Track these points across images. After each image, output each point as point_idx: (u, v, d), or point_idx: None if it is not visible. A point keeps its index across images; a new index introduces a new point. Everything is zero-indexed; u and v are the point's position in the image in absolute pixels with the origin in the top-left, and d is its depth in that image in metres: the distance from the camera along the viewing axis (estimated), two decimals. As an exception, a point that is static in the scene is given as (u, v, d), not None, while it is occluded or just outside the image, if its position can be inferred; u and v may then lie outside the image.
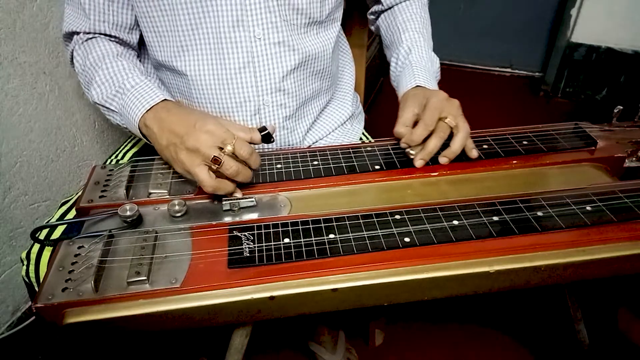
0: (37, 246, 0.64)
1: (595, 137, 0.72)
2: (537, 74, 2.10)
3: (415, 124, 0.67)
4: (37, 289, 0.59)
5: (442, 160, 0.67)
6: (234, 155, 0.59)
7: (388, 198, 0.64)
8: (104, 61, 0.69)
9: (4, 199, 0.95)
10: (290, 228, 0.57)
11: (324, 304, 0.53)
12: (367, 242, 0.54)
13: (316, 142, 0.82)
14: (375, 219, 0.57)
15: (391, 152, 0.71)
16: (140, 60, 0.77)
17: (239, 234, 0.56)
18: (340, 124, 0.85)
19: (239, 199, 0.61)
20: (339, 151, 0.71)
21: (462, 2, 2.05)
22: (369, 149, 0.72)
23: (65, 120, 1.05)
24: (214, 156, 0.57)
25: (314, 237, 0.55)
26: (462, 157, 0.69)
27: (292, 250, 0.54)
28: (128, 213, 0.57)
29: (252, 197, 0.61)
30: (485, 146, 0.71)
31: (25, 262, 0.65)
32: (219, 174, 0.59)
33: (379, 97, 1.90)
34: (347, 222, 0.57)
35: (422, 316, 1.12)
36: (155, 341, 0.84)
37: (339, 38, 0.83)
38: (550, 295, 1.07)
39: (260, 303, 0.51)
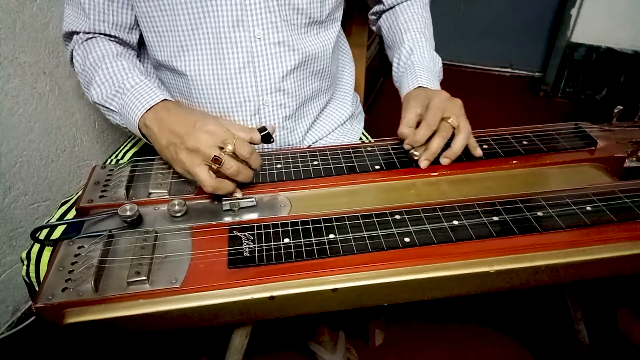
0: (37, 246, 0.64)
1: (595, 137, 0.72)
2: (537, 74, 2.10)
3: (418, 124, 0.67)
4: (37, 288, 0.59)
5: (443, 161, 0.67)
6: (234, 155, 0.59)
7: (388, 198, 0.64)
8: (103, 61, 0.69)
9: (4, 199, 0.95)
10: (290, 228, 0.57)
11: (324, 304, 0.53)
12: (367, 242, 0.54)
13: (316, 142, 0.82)
14: (375, 219, 0.57)
15: (391, 152, 0.71)
16: (140, 60, 0.77)
17: (239, 234, 0.56)
18: (340, 124, 0.85)
19: (239, 199, 0.61)
20: (339, 151, 0.71)
21: (462, 2, 2.05)
22: (369, 149, 0.72)
23: (65, 120, 1.05)
24: (215, 156, 0.57)
25: (314, 237, 0.55)
26: (462, 157, 0.69)
27: (292, 250, 0.54)
28: (128, 213, 0.57)
29: (252, 197, 0.61)
30: (485, 146, 0.71)
31: (25, 262, 0.65)
32: (219, 174, 0.59)
33: (379, 97, 1.90)
34: (347, 222, 0.57)
35: (422, 316, 1.12)
36: (155, 341, 0.84)
37: (338, 38, 0.83)
38: (550, 295, 1.07)
39: (260, 303, 0.51)
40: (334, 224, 0.57)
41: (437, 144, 0.66)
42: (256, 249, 0.54)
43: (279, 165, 0.68)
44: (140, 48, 0.77)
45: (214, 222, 0.59)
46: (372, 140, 0.87)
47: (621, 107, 0.75)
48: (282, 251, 0.54)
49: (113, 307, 0.49)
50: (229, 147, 0.58)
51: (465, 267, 0.52)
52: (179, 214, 0.60)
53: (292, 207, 0.62)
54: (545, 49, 2.02)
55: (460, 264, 0.52)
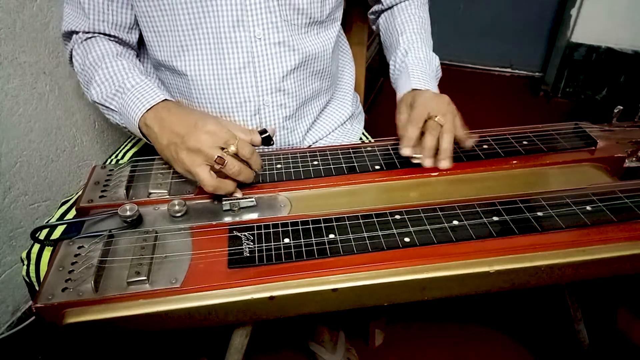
0: (37, 246, 0.64)
1: (595, 137, 0.72)
2: (537, 74, 2.10)
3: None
4: (37, 288, 0.59)
5: (441, 164, 0.66)
6: (235, 156, 0.59)
7: (388, 198, 0.64)
8: (103, 60, 0.69)
9: (4, 199, 0.95)
10: (290, 228, 0.57)
11: (324, 304, 0.53)
12: (367, 242, 0.54)
13: (316, 142, 0.82)
14: (375, 219, 0.57)
15: (391, 152, 0.71)
16: (139, 61, 0.77)
17: (239, 234, 0.56)
18: (340, 124, 0.85)
19: (239, 199, 0.61)
20: (339, 151, 0.71)
21: (462, 2, 2.05)
22: (369, 149, 0.72)
23: (65, 120, 1.05)
24: (218, 156, 0.57)
25: (314, 237, 0.55)
26: (462, 157, 0.69)
27: (292, 250, 0.54)
28: (128, 213, 0.57)
29: (252, 197, 0.61)
30: (485, 146, 0.71)
31: (25, 262, 0.65)
32: (219, 174, 0.59)
33: (379, 97, 1.90)
34: (347, 222, 0.57)
35: (422, 316, 1.12)
36: (155, 341, 0.84)
37: (338, 38, 0.83)
38: (550, 295, 1.07)
39: (260, 303, 0.51)
40: (334, 224, 0.57)
41: (429, 140, 0.65)
42: (256, 249, 0.54)
43: (279, 165, 0.68)
44: (140, 48, 0.77)
45: (214, 222, 0.59)
46: (372, 140, 0.87)
47: (621, 107, 0.75)
48: (282, 251, 0.54)
49: (113, 307, 0.49)
50: (232, 148, 0.59)
51: (465, 267, 0.52)
52: (179, 214, 0.60)
53: (292, 207, 0.62)
54: (545, 49, 2.02)
55: (460, 264, 0.52)
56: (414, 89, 0.72)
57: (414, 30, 0.80)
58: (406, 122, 0.67)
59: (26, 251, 0.65)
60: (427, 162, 0.67)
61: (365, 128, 0.91)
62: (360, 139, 0.88)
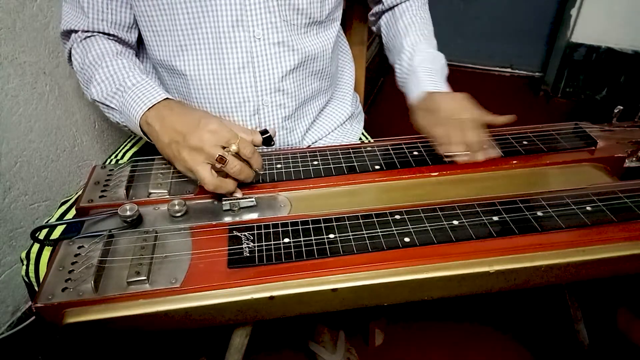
0: (36, 246, 0.64)
1: (595, 137, 0.72)
2: (537, 74, 2.10)
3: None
4: (37, 288, 0.59)
5: (478, 157, 0.68)
6: (237, 155, 0.59)
7: (388, 198, 0.64)
8: (103, 59, 0.69)
9: (4, 199, 0.95)
10: (290, 228, 0.57)
11: (324, 304, 0.53)
12: (367, 242, 0.54)
13: (316, 142, 0.82)
14: (375, 219, 0.57)
15: (391, 152, 0.71)
16: (138, 60, 0.77)
17: (239, 234, 0.56)
18: (340, 124, 0.85)
19: (239, 199, 0.61)
20: (339, 151, 0.71)
21: (462, 2, 2.05)
22: (368, 149, 0.72)
23: (65, 120, 1.05)
24: (220, 155, 0.57)
25: (314, 237, 0.55)
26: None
27: (292, 250, 0.54)
28: (128, 213, 0.57)
29: (252, 197, 0.61)
30: (485, 146, 0.71)
31: (24, 262, 0.65)
32: (220, 173, 0.59)
33: (379, 97, 1.90)
34: (347, 222, 0.57)
35: (422, 316, 1.12)
36: (155, 341, 0.84)
37: (338, 38, 0.83)
38: (550, 295, 1.07)
39: (260, 303, 0.51)
40: (334, 224, 0.57)
41: (458, 137, 0.68)
42: (256, 248, 0.54)
43: (279, 165, 0.68)
44: (139, 48, 0.77)
45: (214, 222, 0.59)
46: (372, 140, 0.87)
47: (621, 107, 0.75)
48: (282, 251, 0.54)
49: (113, 307, 0.49)
50: (233, 147, 0.59)
51: (465, 267, 0.52)
52: (179, 214, 0.60)
53: (292, 207, 0.62)
54: (545, 49, 2.02)
55: (460, 264, 0.52)
56: (427, 92, 0.73)
57: (418, 32, 0.80)
58: (432, 125, 0.69)
59: (25, 251, 0.65)
60: (462, 158, 0.68)
61: (365, 128, 0.91)
62: (360, 139, 0.88)
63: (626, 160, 0.70)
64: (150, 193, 0.63)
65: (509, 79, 2.14)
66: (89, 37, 0.71)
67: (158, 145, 0.64)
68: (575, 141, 0.72)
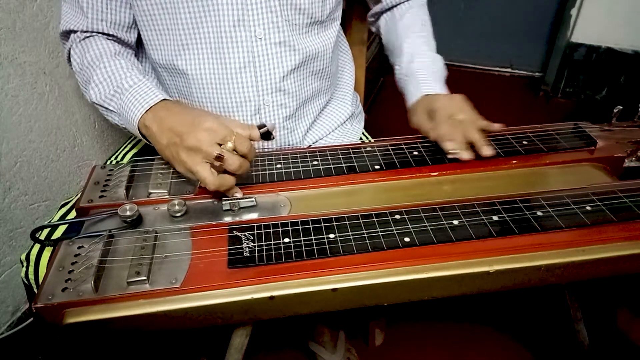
0: (36, 248, 0.64)
1: (595, 137, 0.72)
2: (537, 74, 2.10)
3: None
4: (36, 290, 0.59)
5: (484, 152, 0.68)
6: (233, 151, 0.59)
7: (388, 198, 0.64)
8: (101, 60, 0.68)
9: (4, 199, 0.95)
10: (290, 228, 0.57)
11: (324, 304, 0.53)
12: (367, 242, 0.54)
13: (316, 142, 0.82)
14: (375, 219, 0.57)
15: (391, 152, 0.71)
16: (137, 60, 0.77)
17: (239, 234, 0.56)
18: (340, 123, 0.85)
19: (239, 199, 0.61)
20: (339, 151, 0.71)
21: (462, 2, 2.05)
22: (368, 149, 0.72)
23: (65, 120, 1.05)
24: (217, 154, 0.57)
25: (314, 237, 0.55)
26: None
27: (292, 250, 0.54)
28: (128, 213, 0.57)
29: (252, 197, 0.61)
30: (484, 144, 0.71)
31: (24, 264, 0.65)
32: (218, 170, 0.59)
33: (379, 97, 1.90)
34: (347, 222, 0.57)
35: (422, 316, 1.12)
36: (155, 341, 0.84)
37: (338, 38, 0.83)
38: (550, 295, 1.07)
39: (260, 303, 0.51)
40: (334, 223, 0.57)
41: (459, 135, 0.68)
42: (256, 248, 0.54)
43: (279, 165, 0.68)
44: (138, 48, 0.77)
45: (214, 222, 0.59)
46: (372, 140, 0.87)
47: (621, 107, 0.75)
48: (282, 251, 0.54)
49: (113, 307, 0.49)
50: (229, 144, 0.58)
51: (465, 267, 0.52)
52: (179, 214, 0.60)
53: (292, 207, 0.62)
54: (545, 49, 2.02)
55: (460, 264, 0.52)
56: (426, 94, 0.74)
57: (417, 34, 0.81)
58: (431, 125, 0.70)
59: (25, 253, 0.65)
60: (465, 155, 0.68)
61: (365, 128, 0.91)
62: (360, 138, 0.88)
63: (626, 160, 0.70)
64: (150, 193, 0.63)
65: (509, 79, 2.14)
66: (88, 37, 0.71)
67: (157, 148, 0.64)
68: (575, 141, 0.72)
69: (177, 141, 0.60)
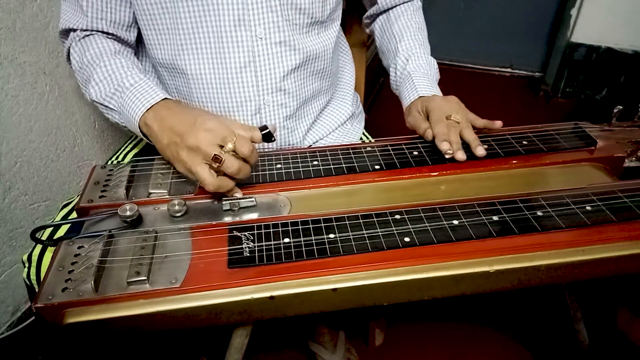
0: (38, 248, 0.64)
1: (595, 137, 0.72)
2: (537, 74, 2.10)
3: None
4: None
5: (478, 152, 0.68)
6: (234, 153, 0.59)
7: (388, 198, 0.64)
8: (102, 58, 0.68)
9: (4, 199, 0.95)
10: (290, 228, 0.57)
11: (324, 304, 0.53)
12: (367, 242, 0.54)
13: (316, 142, 0.82)
14: (375, 219, 0.57)
15: (391, 152, 0.71)
16: (137, 59, 0.77)
17: (239, 234, 0.56)
18: (341, 123, 0.85)
19: (239, 199, 0.61)
20: (339, 151, 0.71)
21: (462, 2, 2.05)
22: (369, 149, 0.72)
23: (65, 120, 1.05)
24: (215, 155, 0.57)
25: (314, 236, 0.55)
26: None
27: (292, 250, 0.54)
28: (128, 213, 0.57)
29: (252, 197, 0.61)
30: (485, 146, 0.71)
31: (26, 265, 0.65)
32: (219, 172, 0.59)
33: (379, 97, 1.90)
34: (347, 222, 0.57)
35: (422, 316, 1.12)
36: (155, 341, 0.84)
37: (338, 38, 0.83)
38: (550, 295, 1.07)
39: (260, 303, 0.51)
40: (334, 223, 0.57)
41: (454, 136, 0.69)
42: (256, 248, 0.54)
43: (279, 165, 0.68)
44: (138, 47, 0.77)
45: (214, 222, 0.59)
46: (372, 140, 0.87)
47: (621, 107, 0.75)
48: (282, 251, 0.54)
49: (113, 307, 0.49)
50: (229, 145, 0.58)
51: (465, 267, 0.52)
52: (179, 214, 0.60)
53: (292, 207, 0.62)
54: (545, 49, 2.02)
55: (460, 264, 0.52)
56: (422, 96, 0.75)
57: (412, 37, 0.81)
58: (428, 125, 0.70)
59: (27, 254, 0.65)
60: (460, 155, 0.68)
61: (365, 128, 0.92)
62: (361, 138, 0.88)
63: (626, 160, 0.70)
64: (150, 193, 0.63)
65: (509, 79, 2.14)
66: (87, 36, 0.71)
67: (158, 147, 0.64)
68: (575, 141, 0.72)
69: (177, 141, 0.60)
